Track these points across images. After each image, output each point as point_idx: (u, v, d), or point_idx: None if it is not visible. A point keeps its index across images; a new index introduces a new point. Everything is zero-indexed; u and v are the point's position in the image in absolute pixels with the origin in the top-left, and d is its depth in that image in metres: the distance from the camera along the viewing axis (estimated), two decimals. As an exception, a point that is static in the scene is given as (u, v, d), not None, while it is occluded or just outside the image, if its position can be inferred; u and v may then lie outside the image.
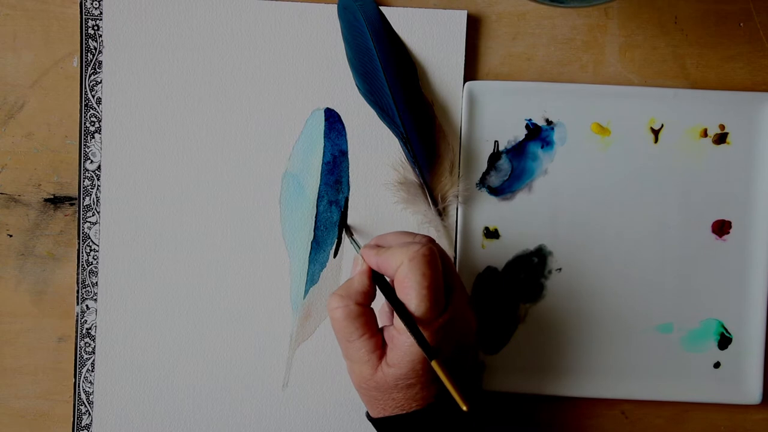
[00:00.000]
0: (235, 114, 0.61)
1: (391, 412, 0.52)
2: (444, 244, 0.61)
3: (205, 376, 0.61)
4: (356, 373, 0.53)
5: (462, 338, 0.53)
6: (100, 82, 0.60)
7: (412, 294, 0.50)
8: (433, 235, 0.61)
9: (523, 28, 0.61)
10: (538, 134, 0.61)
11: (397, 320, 0.51)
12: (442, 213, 0.60)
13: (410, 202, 0.60)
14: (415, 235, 0.54)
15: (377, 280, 0.53)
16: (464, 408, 0.48)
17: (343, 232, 0.61)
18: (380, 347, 0.52)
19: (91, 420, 0.61)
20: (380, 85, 0.59)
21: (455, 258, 0.61)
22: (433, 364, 0.49)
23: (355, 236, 0.60)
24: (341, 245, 0.61)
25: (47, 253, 0.61)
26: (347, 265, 0.61)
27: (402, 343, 0.50)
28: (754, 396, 0.61)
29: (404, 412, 0.52)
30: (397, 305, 0.50)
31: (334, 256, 0.61)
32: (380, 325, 0.54)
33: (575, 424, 0.62)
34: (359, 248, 0.57)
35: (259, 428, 0.61)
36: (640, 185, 0.61)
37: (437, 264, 0.51)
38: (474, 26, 0.61)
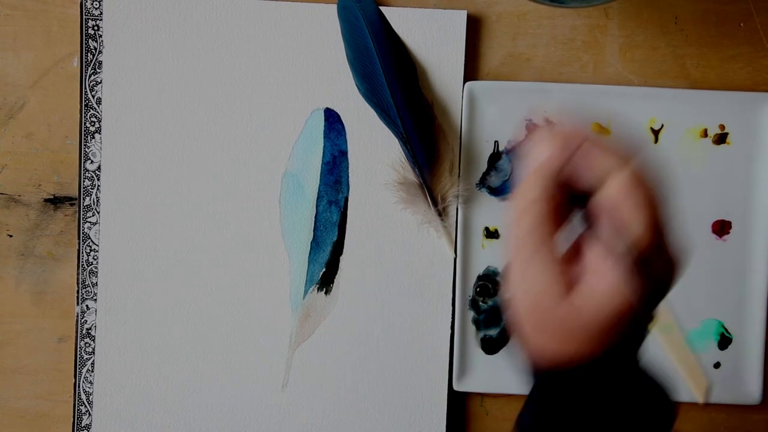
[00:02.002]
0: (234, 114, 0.61)
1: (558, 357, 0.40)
2: (444, 244, 0.61)
3: (205, 376, 0.61)
4: (527, 301, 0.40)
5: (665, 286, 0.42)
6: (100, 82, 0.60)
7: (638, 216, 0.39)
8: (433, 235, 0.61)
9: (523, 28, 0.61)
10: (538, 134, 0.61)
11: (597, 256, 0.39)
12: (442, 213, 0.60)
13: (410, 202, 0.60)
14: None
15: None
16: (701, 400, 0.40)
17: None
18: (569, 273, 0.39)
19: (91, 420, 0.61)
20: (380, 86, 0.59)
21: (455, 258, 0.61)
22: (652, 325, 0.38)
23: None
24: (342, 244, 0.61)
25: (47, 253, 0.61)
26: (348, 264, 0.61)
27: (600, 290, 0.38)
28: (754, 396, 0.61)
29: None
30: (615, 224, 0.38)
31: (335, 256, 0.61)
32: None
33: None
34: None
35: (259, 428, 0.61)
36: (640, 185, 0.61)
37: (659, 188, 0.41)
38: (474, 26, 0.61)
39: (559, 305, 0.39)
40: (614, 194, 0.39)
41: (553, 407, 0.41)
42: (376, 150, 0.61)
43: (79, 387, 0.61)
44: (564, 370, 0.40)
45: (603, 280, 0.38)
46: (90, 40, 0.60)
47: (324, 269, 0.61)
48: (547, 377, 0.41)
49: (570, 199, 0.40)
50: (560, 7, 0.55)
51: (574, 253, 0.40)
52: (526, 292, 0.40)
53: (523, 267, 0.39)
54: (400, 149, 0.60)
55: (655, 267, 0.40)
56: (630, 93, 0.60)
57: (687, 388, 0.61)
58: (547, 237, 0.39)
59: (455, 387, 0.61)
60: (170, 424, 0.61)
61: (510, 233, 0.40)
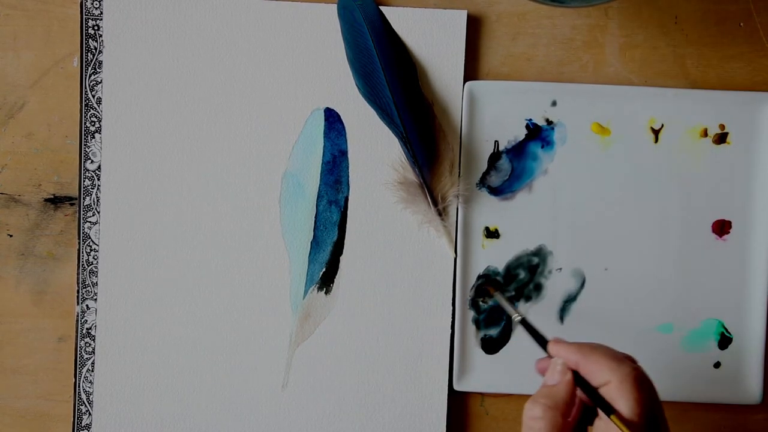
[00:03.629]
0: (235, 114, 0.61)
1: None
2: (444, 243, 0.61)
3: (205, 376, 0.61)
4: None
5: None
6: (100, 82, 0.60)
7: (630, 413, 0.46)
8: (433, 235, 0.61)
9: (523, 28, 0.61)
10: (538, 134, 0.61)
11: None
12: (442, 213, 0.60)
13: (410, 202, 0.60)
14: (617, 352, 0.49)
15: (580, 383, 0.48)
16: None
17: (494, 292, 0.58)
18: None
19: (91, 420, 0.61)
20: (380, 85, 0.59)
21: (455, 258, 0.61)
22: None
23: (508, 302, 0.58)
24: (342, 244, 0.61)
25: (47, 253, 0.61)
26: (348, 264, 0.61)
27: None
28: (754, 396, 0.61)
29: None
30: (617, 416, 0.46)
31: (335, 256, 0.61)
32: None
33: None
34: (516, 313, 0.54)
35: (258, 428, 0.61)
36: (640, 185, 0.61)
37: (649, 392, 0.47)
38: (474, 26, 0.61)
39: None
40: (611, 395, 0.46)
41: None
42: (376, 150, 0.61)
43: (79, 387, 0.61)
44: None
45: None
46: (90, 40, 0.60)
47: (324, 269, 0.61)
48: None
49: (585, 391, 0.48)
50: (560, 7, 0.55)
51: None
52: None
53: None
54: (400, 149, 0.60)
55: None
56: (630, 93, 0.60)
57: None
58: None
59: (455, 387, 0.61)
60: (170, 424, 0.61)
61: None
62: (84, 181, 0.61)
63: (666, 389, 0.61)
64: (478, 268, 0.61)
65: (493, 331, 0.62)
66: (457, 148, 0.61)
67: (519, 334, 0.61)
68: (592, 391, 0.47)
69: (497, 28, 0.61)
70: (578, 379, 0.48)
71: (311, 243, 0.61)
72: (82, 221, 0.61)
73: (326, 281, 0.61)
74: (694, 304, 0.62)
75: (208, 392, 0.61)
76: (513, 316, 0.57)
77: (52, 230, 0.61)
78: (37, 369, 0.62)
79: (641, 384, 0.46)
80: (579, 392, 0.49)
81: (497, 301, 0.59)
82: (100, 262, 0.61)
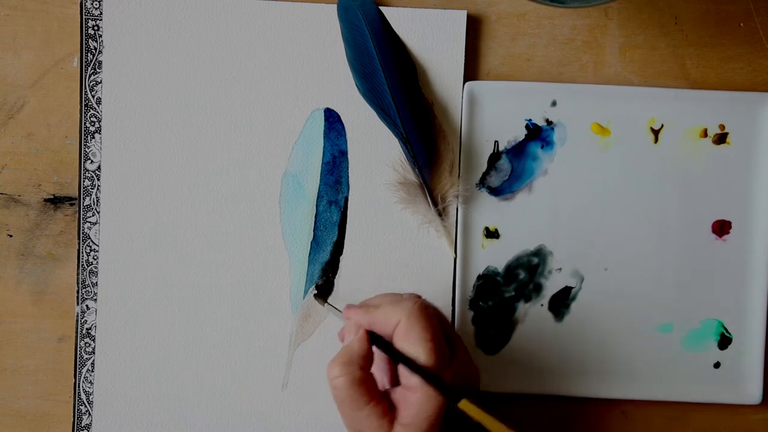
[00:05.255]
0: (234, 114, 0.61)
1: None
2: (444, 244, 0.61)
3: (205, 376, 0.61)
4: None
5: (469, 388, 0.52)
6: (100, 82, 0.60)
7: (418, 349, 0.49)
8: (433, 235, 0.61)
9: (523, 28, 0.61)
10: (538, 134, 0.61)
11: (406, 378, 0.50)
12: (442, 213, 0.60)
13: (410, 202, 0.60)
14: (401, 294, 0.53)
15: (375, 341, 0.51)
16: None
17: (320, 301, 0.60)
18: (389, 412, 0.50)
19: (91, 420, 0.61)
20: (380, 86, 0.59)
21: (455, 258, 0.61)
22: (463, 404, 0.48)
23: (329, 301, 0.59)
24: (342, 244, 0.61)
25: (47, 254, 0.61)
26: (348, 264, 0.61)
27: (416, 400, 0.49)
28: (754, 396, 0.61)
29: None
30: (405, 361, 0.50)
31: (335, 256, 0.61)
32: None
33: (575, 424, 0.62)
34: (339, 311, 0.56)
35: (259, 428, 0.61)
36: (640, 185, 0.61)
37: (435, 317, 0.51)
38: (474, 26, 0.61)
39: None
40: (399, 339, 0.50)
41: None
42: (376, 150, 0.61)
43: (79, 387, 0.61)
44: None
45: (414, 397, 0.49)
46: (90, 40, 0.60)
47: (324, 269, 0.61)
48: None
49: (380, 346, 0.51)
50: (560, 7, 0.55)
51: (393, 392, 0.52)
52: None
53: (352, 420, 0.50)
54: (400, 149, 0.60)
55: (458, 377, 0.51)
56: (630, 93, 0.60)
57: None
58: (361, 397, 0.50)
59: (455, 387, 0.61)
60: (170, 424, 0.61)
61: (332, 395, 0.51)
62: (84, 181, 0.61)
63: (666, 389, 0.61)
64: (478, 269, 0.61)
65: (493, 331, 0.62)
66: (457, 148, 0.61)
67: (519, 335, 0.61)
68: (387, 346, 0.51)
69: (497, 28, 0.61)
70: (374, 339, 0.51)
71: (311, 243, 0.61)
72: (82, 221, 0.61)
73: (327, 281, 0.61)
74: (694, 304, 0.62)
75: (208, 392, 0.61)
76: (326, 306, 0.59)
77: (52, 230, 0.61)
78: (37, 369, 0.62)
79: (426, 312, 0.51)
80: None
81: (329, 309, 0.60)
82: (100, 262, 0.61)
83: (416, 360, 0.49)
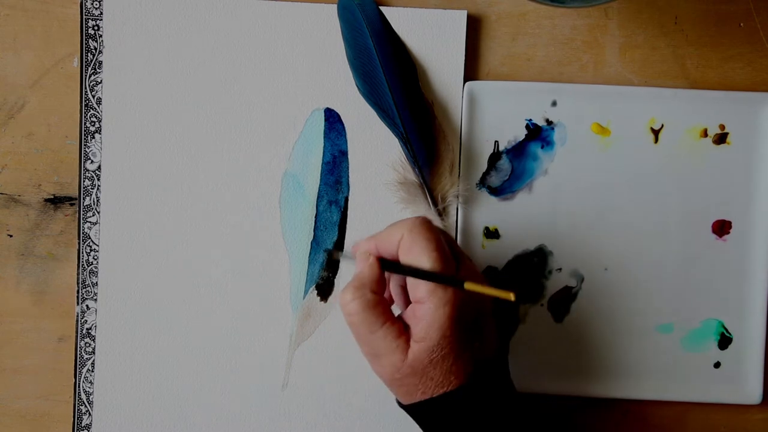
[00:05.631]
0: (235, 114, 0.61)
1: (431, 393, 0.50)
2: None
3: (205, 376, 0.61)
4: (387, 365, 0.51)
5: (479, 304, 0.52)
6: (100, 82, 0.60)
7: (422, 258, 0.50)
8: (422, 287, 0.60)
9: (523, 28, 0.61)
10: (539, 134, 0.61)
11: (414, 291, 0.50)
12: (442, 213, 0.60)
13: (410, 202, 0.60)
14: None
15: (385, 265, 0.52)
16: (512, 297, 0.48)
17: (334, 254, 0.60)
18: (404, 331, 0.50)
19: (91, 420, 0.61)
20: (380, 85, 0.59)
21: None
22: (468, 285, 0.48)
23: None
24: (342, 244, 0.61)
25: (47, 253, 0.61)
26: (347, 265, 0.61)
27: (426, 311, 0.49)
28: (754, 396, 0.61)
29: (445, 390, 0.50)
30: (411, 272, 0.50)
31: (336, 255, 0.61)
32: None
33: (575, 424, 0.62)
34: (349, 255, 0.56)
35: (259, 428, 0.61)
36: (640, 185, 0.61)
37: (437, 229, 0.52)
38: (474, 26, 0.61)
39: (405, 361, 0.50)
40: (404, 253, 0.51)
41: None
42: (377, 150, 0.61)
43: (79, 387, 0.61)
44: (444, 397, 0.50)
45: (423, 308, 0.49)
46: (90, 40, 0.60)
47: (324, 269, 0.61)
48: (428, 409, 0.51)
49: (389, 268, 0.52)
50: (560, 7, 0.55)
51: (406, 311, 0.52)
52: (379, 362, 0.51)
53: (368, 343, 0.51)
54: (401, 149, 0.60)
55: (464, 277, 0.50)
56: (630, 93, 0.60)
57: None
58: (376, 319, 0.50)
59: (455, 387, 0.61)
60: (170, 423, 0.61)
61: (347, 323, 0.51)
62: (84, 181, 0.61)
63: (666, 389, 0.61)
64: (478, 268, 0.61)
65: (493, 331, 0.62)
66: (457, 148, 0.61)
67: (519, 335, 0.61)
68: (395, 266, 0.51)
69: (497, 28, 0.61)
70: (384, 264, 0.52)
71: (311, 243, 0.61)
72: (82, 221, 0.61)
73: (327, 281, 0.61)
74: (694, 304, 0.62)
75: (208, 392, 0.61)
76: (336, 254, 0.60)
77: (52, 230, 0.61)
78: (37, 369, 0.62)
79: (427, 225, 0.51)
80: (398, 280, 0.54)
81: (343, 258, 0.60)
82: (100, 262, 0.61)
83: (422, 268, 0.50)
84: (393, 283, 0.55)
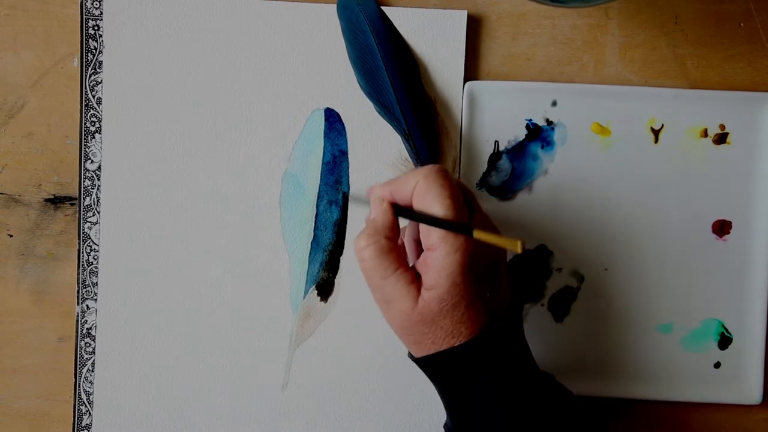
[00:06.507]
0: (235, 114, 0.61)
1: (441, 345, 0.50)
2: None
3: (205, 376, 0.61)
4: (397, 311, 0.50)
5: (493, 255, 0.51)
6: (100, 82, 0.60)
7: (436, 205, 0.49)
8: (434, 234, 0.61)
9: (523, 28, 0.61)
10: (539, 134, 0.61)
11: (427, 238, 0.50)
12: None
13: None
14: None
15: (398, 211, 0.51)
16: (519, 248, 0.47)
17: (351, 197, 0.60)
18: (415, 279, 0.50)
19: (91, 420, 0.61)
20: (382, 82, 0.59)
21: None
22: (476, 233, 0.48)
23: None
24: (343, 244, 0.61)
25: (47, 253, 0.61)
26: (348, 264, 0.61)
27: (436, 258, 0.49)
28: (754, 396, 0.61)
29: (457, 342, 0.49)
30: (424, 218, 0.49)
31: (335, 256, 0.61)
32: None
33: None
34: (364, 198, 0.56)
35: (258, 428, 0.61)
36: (640, 185, 0.61)
37: (452, 178, 0.51)
38: (474, 26, 0.61)
39: (415, 308, 0.49)
40: (418, 199, 0.50)
41: (453, 389, 0.51)
42: (377, 150, 0.61)
43: (79, 387, 0.61)
44: (455, 350, 0.50)
45: (433, 255, 0.49)
46: (90, 40, 0.60)
47: (324, 269, 0.61)
48: (438, 361, 0.50)
49: (403, 214, 0.52)
50: (560, 7, 0.55)
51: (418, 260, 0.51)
52: (390, 308, 0.51)
53: (380, 288, 0.50)
54: (402, 147, 0.60)
55: (476, 225, 0.50)
56: (630, 93, 0.60)
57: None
58: (390, 264, 0.50)
59: (455, 387, 0.61)
60: (170, 424, 0.61)
61: (361, 268, 0.51)
62: (84, 181, 0.61)
63: (666, 389, 0.61)
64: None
65: (493, 331, 0.62)
66: (458, 147, 0.61)
67: (519, 334, 0.61)
68: (409, 212, 0.51)
69: (497, 28, 0.61)
70: (398, 211, 0.52)
71: (311, 243, 0.61)
72: (82, 221, 0.61)
73: (327, 281, 0.61)
74: (694, 304, 0.62)
75: (208, 392, 0.61)
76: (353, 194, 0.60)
77: (52, 230, 0.61)
78: (37, 369, 0.62)
79: (443, 174, 0.50)
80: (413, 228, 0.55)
81: (357, 201, 0.60)
82: (100, 262, 0.61)
83: (435, 216, 0.49)
84: (407, 237, 0.55)
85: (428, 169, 0.51)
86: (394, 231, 0.51)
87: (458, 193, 0.50)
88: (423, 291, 0.50)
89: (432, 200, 0.49)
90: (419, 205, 0.50)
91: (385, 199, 0.52)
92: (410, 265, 0.52)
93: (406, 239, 0.55)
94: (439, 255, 0.49)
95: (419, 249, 0.53)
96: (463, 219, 0.50)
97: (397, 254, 0.51)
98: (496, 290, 0.51)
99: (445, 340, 0.50)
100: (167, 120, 0.61)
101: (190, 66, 0.60)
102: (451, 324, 0.49)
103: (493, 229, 0.53)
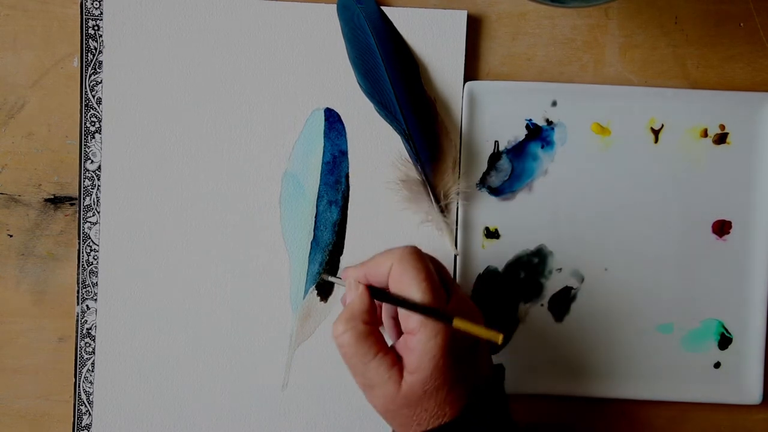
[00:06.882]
0: (235, 114, 0.61)
1: (426, 425, 0.50)
2: (445, 244, 0.61)
3: (205, 376, 0.61)
4: (380, 395, 0.50)
5: (470, 313, 0.52)
6: (100, 82, 0.60)
7: (412, 289, 0.49)
8: (435, 234, 0.61)
9: (523, 28, 0.61)
10: (539, 134, 0.61)
11: (406, 321, 0.50)
12: (444, 210, 0.60)
13: (412, 200, 0.60)
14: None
15: (375, 294, 0.52)
16: (499, 340, 0.47)
17: (323, 277, 0.60)
18: (397, 362, 0.50)
19: (91, 420, 0.61)
20: (382, 82, 0.59)
21: (456, 256, 0.61)
22: (456, 322, 0.48)
23: (334, 279, 0.59)
24: (342, 244, 0.61)
25: (47, 253, 0.61)
26: (348, 264, 0.61)
27: (418, 342, 0.49)
28: (754, 396, 0.61)
29: (442, 422, 0.49)
30: (401, 302, 0.50)
31: (335, 256, 0.61)
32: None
33: (575, 424, 0.62)
34: (340, 279, 0.56)
35: (258, 428, 0.61)
36: (640, 185, 0.61)
37: (426, 258, 0.51)
38: (474, 26, 0.61)
39: (399, 391, 0.49)
40: (393, 283, 0.50)
41: None
42: (377, 150, 0.61)
43: (79, 387, 0.61)
44: (441, 429, 0.49)
45: (415, 339, 0.49)
46: (90, 40, 0.60)
47: (324, 269, 0.61)
48: None
49: (379, 297, 0.52)
50: (560, 7, 0.55)
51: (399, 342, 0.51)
52: (373, 392, 0.50)
53: (362, 374, 0.50)
54: (402, 147, 0.60)
55: (453, 309, 0.50)
56: (630, 93, 0.60)
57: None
58: (368, 350, 0.50)
59: (455, 387, 0.61)
60: (170, 424, 0.61)
61: (340, 354, 0.51)
62: (84, 181, 0.61)
63: (666, 389, 0.61)
64: (478, 268, 0.61)
65: (493, 331, 0.62)
66: (458, 147, 0.61)
67: (519, 335, 0.61)
68: (385, 295, 0.51)
69: (497, 28, 0.61)
70: (374, 293, 0.52)
71: (311, 243, 0.61)
72: (82, 221, 0.61)
73: (327, 281, 0.61)
74: (694, 304, 0.62)
75: (208, 392, 0.61)
76: (327, 278, 0.59)
77: (52, 230, 0.61)
78: (37, 369, 0.62)
79: (417, 255, 0.51)
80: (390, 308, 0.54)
81: (334, 282, 0.60)
82: (100, 262, 0.61)
83: (412, 300, 0.49)
84: (385, 314, 0.55)
85: (401, 251, 0.51)
86: (371, 315, 0.51)
87: (433, 274, 0.50)
88: (406, 374, 0.49)
89: (407, 284, 0.50)
90: (395, 288, 0.50)
91: (361, 282, 0.52)
92: (390, 343, 0.52)
93: (384, 317, 0.55)
94: (420, 339, 0.49)
95: (398, 326, 0.53)
96: (440, 301, 0.50)
97: (376, 338, 0.50)
98: (477, 367, 0.51)
99: (430, 421, 0.50)
100: (167, 120, 0.61)
101: (190, 66, 0.60)
102: (436, 405, 0.49)
103: (469, 305, 0.53)
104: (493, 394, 0.52)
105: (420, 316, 0.49)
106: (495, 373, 0.53)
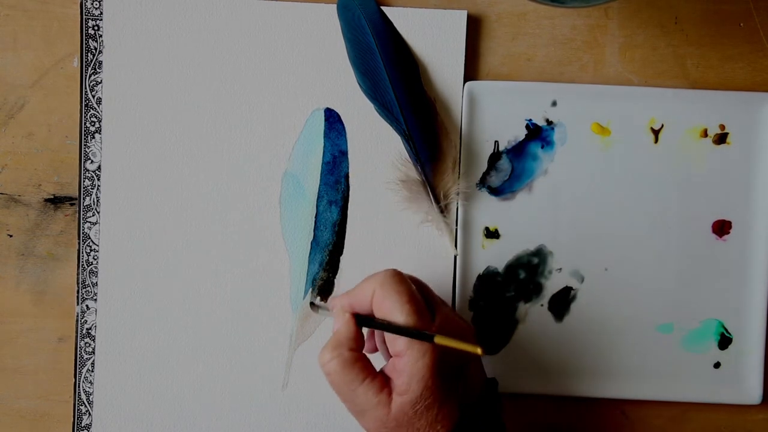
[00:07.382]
0: (235, 114, 0.61)
1: None
2: (445, 244, 0.61)
3: (205, 376, 0.61)
4: (371, 419, 0.51)
5: (457, 331, 0.52)
6: (100, 82, 0.60)
7: (395, 312, 0.50)
8: (434, 234, 0.61)
9: (523, 28, 0.61)
10: (539, 134, 0.61)
11: (393, 344, 0.50)
12: (444, 210, 0.60)
13: (412, 200, 0.60)
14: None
15: (360, 321, 0.52)
16: (479, 352, 0.47)
17: (313, 309, 0.60)
18: (386, 385, 0.50)
19: (91, 420, 0.61)
20: (382, 82, 0.59)
21: (455, 256, 0.61)
22: (438, 339, 0.48)
23: (322, 305, 0.60)
24: (342, 244, 0.61)
25: (47, 253, 0.61)
26: (348, 264, 0.61)
27: (405, 364, 0.49)
28: (754, 396, 0.61)
29: None
30: (386, 327, 0.50)
31: (335, 256, 0.61)
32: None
33: (575, 424, 0.62)
34: (327, 307, 0.57)
35: (258, 428, 0.61)
36: (640, 185, 0.61)
37: (408, 281, 0.52)
38: (474, 26, 0.61)
39: (389, 414, 0.50)
40: (377, 308, 0.51)
41: None
42: (377, 150, 0.61)
43: (79, 387, 0.61)
44: None
45: (402, 362, 0.50)
46: (90, 40, 0.60)
47: (324, 269, 0.61)
48: None
49: (365, 323, 0.52)
50: (560, 7, 0.55)
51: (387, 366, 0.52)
52: (364, 418, 0.51)
53: (351, 401, 0.51)
54: (402, 148, 0.60)
55: (439, 328, 0.51)
56: (630, 93, 0.60)
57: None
58: (356, 376, 0.50)
59: (455, 387, 0.61)
60: (170, 424, 0.61)
61: (328, 382, 0.51)
62: (84, 181, 0.61)
63: (666, 389, 0.61)
64: (478, 269, 0.61)
65: (493, 332, 0.62)
66: (458, 147, 0.61)
67: (519, 335, 0.61)
68: (370, 321, 0.52)
69: (497, 28, 0.61)
70: (359, 320, 0.52)
71: (311, 243, 0.61)
72: (82, 221, 0.61)
73: (327, 281, 0.61)
74: (694, 304, 0.62)
75: (208, 392, 0.61)
76: (317, 302, 0.60)
77: (52, 230, 0.61)
78: (37, 369, 0.62)
79: (398, 278, 0.51)
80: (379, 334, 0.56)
81: (323, 312, 0.60)
82: (100, 262, 0.61)
83: (396, 323, 0.50)
84: (377, 338, 0.56)
85: (383, 275, 0.51)
86: (357, 342, 0.52)
87: (415, 295, 0.51)
88: (395, 396, 0.50)
89: (391, 307, 0.50)
90: (379, 313, 0.51)
91: (346, 310, 0.53)
92: (387, 361, 0.53)
93: (377, 342, 0.56)
94: (408, 361, 0.49)
95: (386, 349, 0.54)
96: (424, 322, 0.50)
97: (363, 364, 0.51)
98: (468, 383, 0.52)
99: None
100: (167, 120, 0.61)
101: (190, 66, 0.60)
102: (427, 424, 0.50)
103: (457, 324, 0.53)
104: (486, 409, 0.52)
105: (406, 339, 0.49)
106: (488, 388, 0.54)
